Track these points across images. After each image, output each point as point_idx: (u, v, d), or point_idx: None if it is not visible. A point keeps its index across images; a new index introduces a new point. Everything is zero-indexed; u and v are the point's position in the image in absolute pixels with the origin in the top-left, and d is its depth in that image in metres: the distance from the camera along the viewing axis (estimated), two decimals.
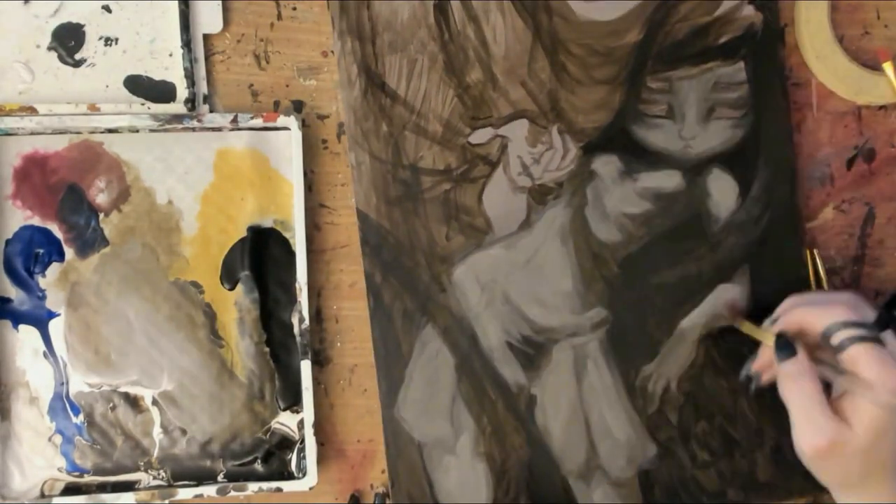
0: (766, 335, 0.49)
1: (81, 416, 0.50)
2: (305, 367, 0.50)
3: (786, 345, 0.47)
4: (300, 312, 0.50)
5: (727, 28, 0.54)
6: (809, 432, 0.45)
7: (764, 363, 0.51)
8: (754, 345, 0.51)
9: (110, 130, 0.50)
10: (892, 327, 0.46)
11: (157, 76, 0.51)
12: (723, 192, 0.54)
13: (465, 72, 0.53)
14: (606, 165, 0.53)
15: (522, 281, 0.53)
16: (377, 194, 0.52)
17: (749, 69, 0.54)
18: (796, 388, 0.47)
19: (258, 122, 0.50)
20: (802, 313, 0.48)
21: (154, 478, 0.50)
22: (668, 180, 0.54)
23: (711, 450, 0.53)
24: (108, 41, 0.51)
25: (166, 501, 0.49)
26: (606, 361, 0.53)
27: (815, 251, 0.55)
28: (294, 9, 0.52)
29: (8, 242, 0.50)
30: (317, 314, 0.52)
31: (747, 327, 0.51)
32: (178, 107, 0.51)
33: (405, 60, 0.52)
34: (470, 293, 0.52)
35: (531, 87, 0.53)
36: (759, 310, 0.52)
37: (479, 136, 0.53)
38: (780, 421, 0.52)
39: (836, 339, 0.46)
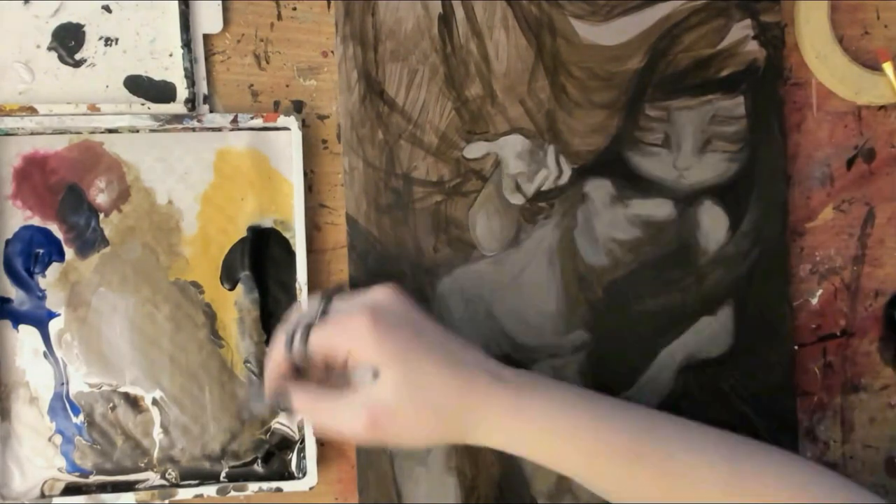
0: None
1: (81, 416, 0.50)
2: None
3: (279, 398, 0.45)
4: None
5: (730, 62, 0.54)
6: (347, 420, 0.42)
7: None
8: (734, 379, 0.53)
9: (110, 130, 0.50)
10: (335, 294, 0.45)
11: (157, 76, 0.51)
12: (713, 224, 0.54)
13: (464, 86, 0.53)
14: (599, 189, 0.53)
15: (506, 298, 0.53)
16: (368, 201, 0.52)
17: (748, 104, 0.54)
18: (309, 405, 0.44)
19: (258, 122, 0.50)
20: (269, 366, 0.45)
21: (156, 478, 0.50)
22: (660, 209, 0.54)
23: None
24: (108, 41, 0.51)
25: (166, 501, 0.49)
26: (584, 385, 0.53)
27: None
28: (294, 9, 0.52)
29: (8, 242, 0.50)
30: None
31: None
32: (178, 107, 0.51)
33: (406, 70, 0.52)
34: (453, 306, 0.52)
35: (529, 105, 0.53)
36: (742, 350, 0.53)
37: (474, 150, 0.53)
38: None
39: (297, 352, 0.44)
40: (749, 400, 0.54)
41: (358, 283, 0.52)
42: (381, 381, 0.42)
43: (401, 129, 0.52)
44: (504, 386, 0.43)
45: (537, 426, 0.43)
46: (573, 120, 0.53)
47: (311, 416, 0.46)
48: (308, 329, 0.44)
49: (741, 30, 0.54)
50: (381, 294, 0.44)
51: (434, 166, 0.52)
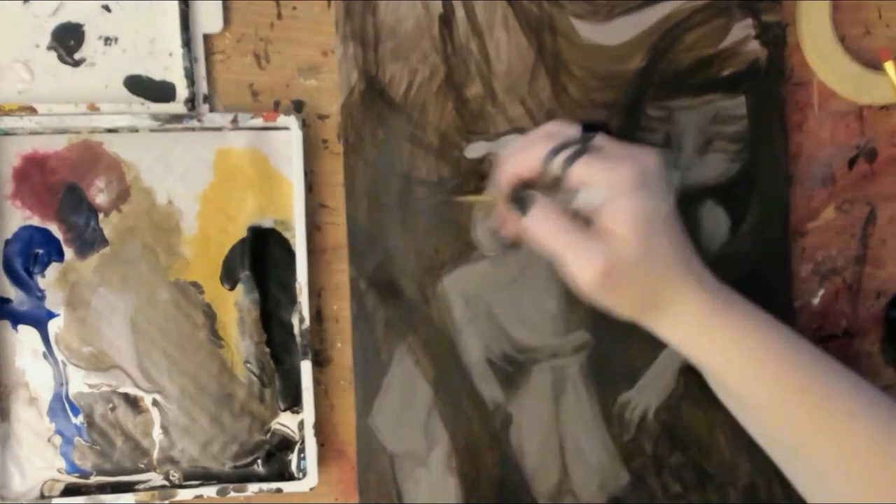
0: (493, 197, 0.48)
1: (81, 417, 0.50)
2: (305, 367, 0.50)
3: (521, 197, 0.45)
4: (300, 312, 0.50)
5: (731, 61, 0.54)
6: (584, 261, 0.43)
7: (501, 223, 0.50)
8: None
9: (110, 130, 0.50)
10: (599, 130, 0.45)
11: (157, 76, 0.51)
12: (714, 224, 0.54)
13: (465, 85, 0.53)
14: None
15: (507, 298, 0.52)
16: (368, 201, 0.52)
17: (750, 104, 0.54)
18: (550, 228, 0.44)
19: (258, 121, 0.50)
20: (514, 164, 0.46)
21: (157, 478, 0.50)
22: None
23: (684, 482, 0.53)
24: (107, 41, 0.50)
25: (166, 502, 0.49)
26: (586, 385, 0.53)
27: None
28: (294, 8, 0.52)
29: (7, 242, 0.50)
30: (317, 314, 0.52)
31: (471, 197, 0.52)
32: (178, 107, 0.51)
33: (406, 69, 0.52)
34: (454, 306, 0.52)
35: (530, 105, 0.53)
36: None
37: (474, 150, 0.53)
38: (755, 457, 0.52)
39: (556, 167, 0.44)
40: None
41: (358, 283, 0.52)
42: (625, 240, 0.42)
43: (401, 129, 0.52)
44: (704, 290, 0.45)
45: (729, 335, 0.45)
46: (574, 120, 0.53)
47: (544, 233, 0.45)
48: (578, 154, 0.43)
49: (742, 29, 0.54)
50: (650, 158, 0.44)
51: (434, 166, 0.52)
